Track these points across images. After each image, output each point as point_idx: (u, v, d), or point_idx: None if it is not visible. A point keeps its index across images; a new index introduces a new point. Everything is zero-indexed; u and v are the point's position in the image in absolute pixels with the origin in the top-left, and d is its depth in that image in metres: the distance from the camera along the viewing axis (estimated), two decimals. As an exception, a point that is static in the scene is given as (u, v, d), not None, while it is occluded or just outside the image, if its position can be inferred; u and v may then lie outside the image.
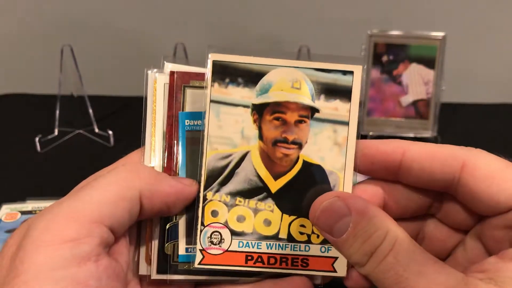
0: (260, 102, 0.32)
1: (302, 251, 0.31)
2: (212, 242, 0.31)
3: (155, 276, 0.31)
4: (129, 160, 0.33)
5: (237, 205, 0.32)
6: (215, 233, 0.31)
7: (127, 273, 0.31)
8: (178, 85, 0.33)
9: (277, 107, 0.32)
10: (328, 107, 0.32)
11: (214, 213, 0.31)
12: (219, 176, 0.32)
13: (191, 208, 0.32)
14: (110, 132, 0.82)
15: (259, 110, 0.32)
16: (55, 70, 0.81)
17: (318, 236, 0.31)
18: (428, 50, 0.80)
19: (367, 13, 0.92)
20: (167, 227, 0.32)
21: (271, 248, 0.31)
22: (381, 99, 0.82)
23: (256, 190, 0.32)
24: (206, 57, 0.32)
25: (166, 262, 0.32)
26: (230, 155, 0.32)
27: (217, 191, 0.32)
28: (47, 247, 0.26)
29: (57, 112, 0.82)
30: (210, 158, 0.31)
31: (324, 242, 0.31)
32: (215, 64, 0.32)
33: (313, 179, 0.32)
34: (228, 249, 0.31)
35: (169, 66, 0.33)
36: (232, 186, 0.32)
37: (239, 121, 0.32)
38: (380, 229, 0.28)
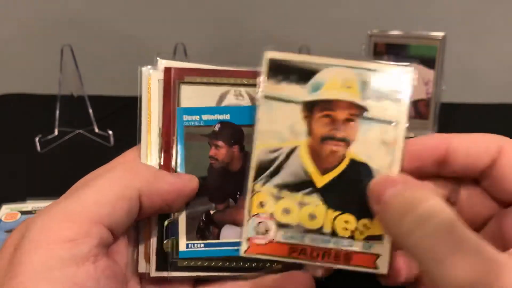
0: (311, 100, 0.32)
1: (346, 246, 0.32)
2: (257, 232, 0.32)
3: (154, 273, 0.31)
4: (126, 159, 0.33)
5: (283, 197, 0.32)
6: (261, 223, 0.32)
7: (126, 272, 0.31)
8: (172, 82, 0.33)
9: (327, 105, 0.32)
10: (378, 107, 0.32)
11: (262, 204, 0.32)
12: (268, 169, 0.32)
13: (190, 204, 0.32)
14: (110, 132, 0.82)
15: (309, 107, 0.32)
16: (55, 70, 0.81)
17: (361, 233, 0.32)
18: (428, 50, 0.80)
19: (367, 13, 0.92)
20: (166, 223, 0.32)
21: (314, 242, 0.32)
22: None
23: (302, 184, 0.32)
24: (263, 55, 0.33)
25: (165, 259, 0.32)
26: (279, 149, 0.32)
27: (265, 183, 0.32)
28: (45, 248, 0.25)
29: (57, 112, 0.82)
30: (259, 151, 0.32)
31: (368, 238, 0.32)
32: (271, 61, 0.33)
33: (359, 176, 0.32)
34: (273, 240, 0.32)
35: (163, 63, 0.34)
36: (279, 179, 0.32)
37: (290, 116, 0.32)
38: (432, 196, 0.27)
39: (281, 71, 0.32)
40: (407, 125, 0.32)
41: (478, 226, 0.33)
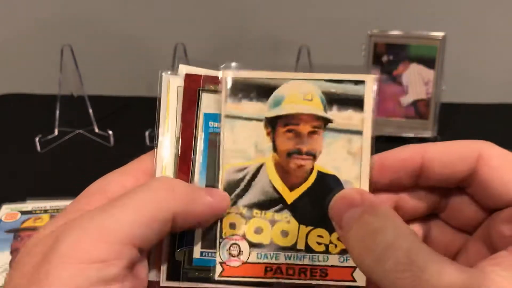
0: (273, 115, 0.32)
1: (321, 261, 0.31)
2: (231, 254, 0.31)
3: (165, 283, 0.31)
4: (143, 165, 0.33)
5: (254, 217, 0.32)
6: (234, 245, 0.31)
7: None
8: (193, 89, 0.33)
9: (290, 120, 0.32)
10: (341, 117, 0.32)
11: (232, 226, 0.32)
12: (236, 189, 0.32)
13: None
14: (110, 132, 0.82)
15: (272, 123, 0.32)
16: (55, 70, 0.81)
17: (336, 246, 0.31)
18: (428, 50, 0.80)
19: (367, 13, 0.92)
20: (178, 232, 0.32)
21: (289, 259, 0.31)
22: (381, 99, 0.82)
23: (272, 202, 0.32)
24: (221, 73, 0.32)
25: (177, 269, 0.31)
26: (245, 168, 0.32)
27: (234, 203, 0.32)
28: (75, 265, 0.25)
29: (57, 112, 0.82)
30: (226, 172, 0.32)
31: (343, 252, 0.31)
32: (229, 81, 0.32)
33: (328, 189, 0.32)
34: (247, 261, 0.31)
35: (184, 69, 0.33)
36: (248, 198, 0.32)
37: (253, 134, 0.32)
38: (390, 224, 0.27)
39: (240, 89, 0.32)
40: (372, 132, 0.32)
41: (469, 231, 0.33)
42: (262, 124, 0.32)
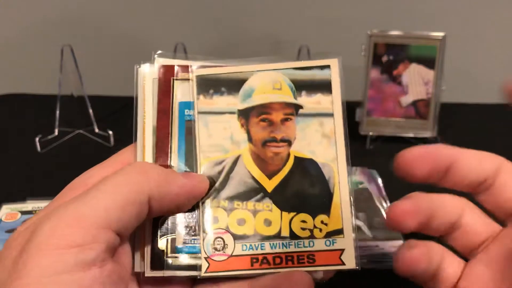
0: (245, 107, 0.33)
1: (307, 247, 0.31)
2: (215, 249, 0.31)
3: (149, 273, 0.31)
4: (123, 157, 0.33)
5: (236, 208, 0.32)
6: (218, 239, 0.31)
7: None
8: (167, 79, 0.33)
9: (262, 109, 0.33)
10: (311, 101, 0.33)
11: (215, 220, 0.32)
12: (215, 183, 0.32)
13: None
14: (110, 132, 0.82)
15: (245, 115, 0.33)
16: (55, 70, 0.81)
17: (320, 230, 0.31)
18: (428, 50, 0.80)
19: (367, 13, 0.92)
20: (159, 220, 0.31)
21: (275, 248, 0.31)
22: (381, 99, 0.82)
23: (252, 192, 0.32)
24: (190, 71, 0.33)
25: (160, 258, 0.31)
26: (222, 161, 0.32)
27: (215, 197, 0.32)
28: (52, 252, 0.25)
29: (57, 112, 0.82)
30: (204, 166, 0.32)
31: (328, 235, 0.31)
32: (198, 77, 0.33)
33: (307, 173, 0.32)
34: (233, 254, 0.31)
35: (160, 61, 0.34)
36: (228, 190, 0.32)
37: (227, 127, 0.33)
38: None
39: (210, 85, 0.33)
40: (343, 113, 0.33)
41: (481, 245, 0.32)
42: (235, 116, 0.33)
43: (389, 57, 0.81)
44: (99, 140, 0.82)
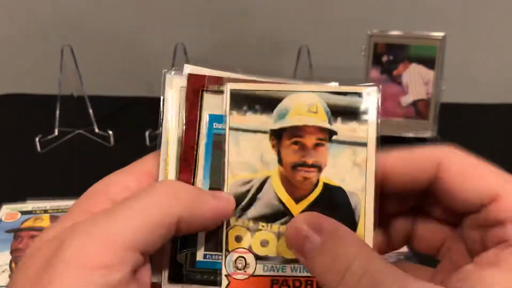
0: (278, 127, 0.32)
1: None
2: (237, 267, 0.31)
3: (166, 285, 0.31)
4: (145, 165, 0.33)
5: (260, 229, 0.32)
6: (240, 258, 0.31)
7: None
8: (196, 89, 0.33)
9: (295, 132, 0.32)
10: (346, 129, 0.32)
11: (238, 239, 0.32)
12: (242, 202, 0.32)
13: None
14: (110, 132, 0.82)
15: (277, 135, 0.32)
16: (55, 70, 0.81)
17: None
18: (428, 50, 0.80)
19: (367, 13, 0.92)
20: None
21: (295, 272, 0.31)
22: (381, 99, 0.82)
23: (278, 214, 0.32)
24: (224, 87, 0.32)
25: (179, 271, 0.31)
26: (251, 181, 0.32)
27: (240, 216, 0.32)
28: (80, 271, 0.25)
29: (57, 112, 0.82)
30: (231, 184, 0.32)
31: None
32: (233, 93, 0.32)
33: (334, 201, 0.32)
34: (254, 274, 0.31)
35: (188, 69, 0.33)
36: (254, 211, 0.32)
37: (258, 146, 0.32)
38: (351, 247, 0.27)
39: (244, 101, 0.32)
40: (377, 144, 0.32)
41: (452, 224, 0.33)
42: (267, 136, 0.32)
43: (389, 57, 0.81)
44: (99, 140, 0.82)
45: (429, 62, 0.81)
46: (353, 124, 0.32)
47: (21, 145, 0.82)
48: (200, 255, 0.31)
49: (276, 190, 0.32)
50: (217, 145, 0.32)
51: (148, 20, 0.96)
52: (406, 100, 0.83)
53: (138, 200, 0.28)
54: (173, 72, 0.33)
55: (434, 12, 0.92)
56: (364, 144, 0.32)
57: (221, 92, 0.32)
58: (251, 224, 0.32)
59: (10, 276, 0.55)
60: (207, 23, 0.96)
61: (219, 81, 0.33)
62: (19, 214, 0.62)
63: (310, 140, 0.32)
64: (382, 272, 0.26)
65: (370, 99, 0.32)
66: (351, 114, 0.32)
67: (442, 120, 0.81)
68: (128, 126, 0.85)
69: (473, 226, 0.30)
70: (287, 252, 0.31)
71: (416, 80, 0.82)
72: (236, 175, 0.32)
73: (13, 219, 0.62)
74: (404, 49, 0.81)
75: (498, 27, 0.93)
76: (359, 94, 0.32)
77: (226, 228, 0.32)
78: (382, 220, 0.32)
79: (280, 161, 0.32)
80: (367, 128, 0.32)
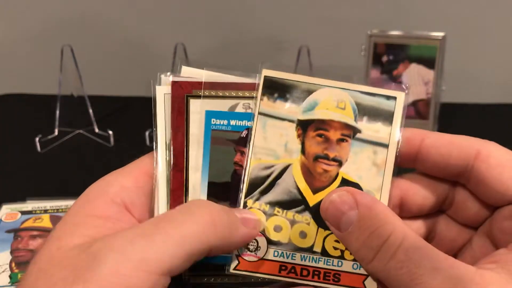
0: (306, 118, 0.33)
1: (335, 266, 0.32)
2: (248, 249, 0.32)
3: None
4: (142, 165, 0.33)
5: (275, 215, 0.32)
6: (252, 240, 0.32)
7: None
8: (180, 96, 0.33)
9: (321, 125, 0.33)
10: (370, 129, 0.33)
11: None
12: (260, 185, 0.32)
13: None
14: (110, 132, 0.82)
15: (303, 126, 0.33)
16: (55, 70, 0.81)
17: (351, 253, 0.32)
18: (428, 50, 0.80)
19: (367, 13, 0.92)
20: None
21: (305, 260, 0.32)
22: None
23: (294, 202, 0.32)
24: (259, 71, 0.33)
25: (178, 277, 0.31)
26: (272, 166, 0.33)
27: (257, 199, 0.32)
28: None
29: (57, 112, 0.82)
30: (253, 167, 0.33)
31: None
32: (266, 79, 0.33)
33: None
34: (263, 257, 0.32)
35: (187, 71, 0.34)
36: (272, 196, 0.32)
37: (284, 134, 0.33)
38: (387, 224, 0.28)
39: (276, 89, 0.33)
40: (397, 147, 0.33)
41: (475, 226, 0.33)
42: (294, 125, 0.33)
43: (389, 57, 0.81)
44: (99, 140, 0.83)
45: (429, 62, 0.81)
46: (377, 125, 0.33)
47: (21, 145, 0.82)
48: None
49: (296, 178, 0.33)
50: (215, 140, 0.33)
51: (148, 20, 0.96)
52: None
53: (177, 225, 0.28)
54: (169, 73, 0.33)
55: (434, 12, 0.92)
56: (386, 146, 0.33)
57: (209, 97, 0.33)
58: (267, 208, 0.32)
59: (9, 276, 0.55)
60: (207, 23, 0.96)
61: (204, 86, 0.33)
62: (19, 214, 0.62)
63: (334, 135, 0.33)
64: (416, 249, 0.26)
65: (397, 103, 0.33)
66: (377, 115, 0.33)
67: (442, 120, 0.81)
68: (128, 126, 0.85)
69: (507, 217, 0.30)
70: (298, 240, 0.32)
71: (416, 80, 0.82)
72: (259, 158, 0.33)
73: (13, 219, 0.62)
74: (404, 49, 0.81)
75: (498, 27, 0.93)
76: (387, 97, 0.33)
77: (243, 208, 0.32)
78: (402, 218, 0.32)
79: (303, 151, 0.33)
80: (390, 131, 0.33)
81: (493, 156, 0.30)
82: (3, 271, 0.56)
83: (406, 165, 0.33)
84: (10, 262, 0.57)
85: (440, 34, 0.79)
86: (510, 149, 0.32)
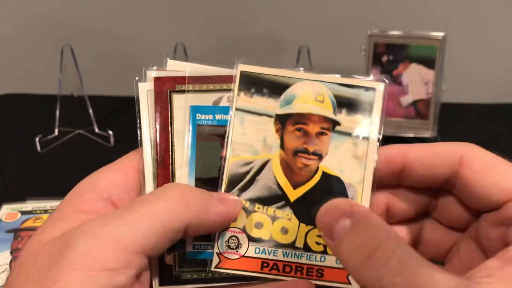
0: (284, 113, 0.32)
1: (318, 261, 0.31)
2: (229, 247, 0.31)
3: None
4: (131, 160, 0.33)
5: (255, 211, 0.32)
6: (233, 238, 0.31)
7: None
8: (163, 91, 0.33)
9: (300, 119, 0.32)
10: (349, 121, 0.32)
11: None
12: (240, 182, 0.32)
13: None
14: (110, 132, 0.82)
15: (282, 120, 0.33)
16: (55, 70, 0.81)
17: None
18: (428, 50, 0.80)
19: (367, 13, 0.92)
20: None
21: (287, 256, 0.31)
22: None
23: (275, 198, 0.32)
24: (235, 67, 0.33)
25: (168, 273, 0.31)
26: (251, 162, 0.32)
27: (237, 196, 0.32)
28: (84, 272, 0.25)
29: (57, 112, 0.82)
30: (232, 164, 0.32)
31: None
32: (243, 74, 0.33)
33: (331, 190, 0.32)
34: (245, 255, 0.31)
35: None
36: (251, 192, 0.32)
37: (262, 129, 0.32)
38: (382, 233, 0.27)
39: (253, 84, 0.33)
40: (379, 137, 0.32)
41: (461, 229, 0.33)
42: (272, 120, 0.32)
43: (389, 57, 0.81)
44: (99, 140, 0.83)
45: (429, 62, 0.81)
46: (357, 117, 0.32)
47: (21, 145, 0.82)
48: (189, 246, 0.31)
49: (276, 174, 0.32)
50: (201, 135, 0.33)
51: (148, 20, 0.96)
52: (406, 100, 0.83)
53: (147, 204, 0.28)
54: (155, 68, 0.33)
55: (434, 12, 0.92)
56: (366, 138, 0.32)
57: (192, 91, 0.33)
58: (247, 205, 0.32)
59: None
60: (207, 23, 0.96)
61: (187, 80, 0.33)
62: (19, 214, 0.62)
63: (313, 128, 0.32)
64: (410, 257, 0.26)
65: (376, 94, 0.33)
66: (356, 107, 0.33)
67: (442, 120, 0.81)
68: (128, 126, 0.85)
69: (492, 223, 0.30)
70: (280, 236, 0.32)
71: (416, 80, 0.82)
72: (238, 155, 0.32)
73: (13, 219, 0.62)
74: (404, 49, 0.81)
75: (498, 27, 0.93)
76: (366, 88, 0.33)
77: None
78: (389, 224, 0.32)
79: (282, 146, 0.32)
80: (370, 122, 0.32)
81: (476, 160, 0.30)
82: (3, 271, 0.56)
83: (391, 183, 0.32)
84: (10, 262, 0.57)
85: (440, 34, 0.79)
86: (510, 149, 0.32)
